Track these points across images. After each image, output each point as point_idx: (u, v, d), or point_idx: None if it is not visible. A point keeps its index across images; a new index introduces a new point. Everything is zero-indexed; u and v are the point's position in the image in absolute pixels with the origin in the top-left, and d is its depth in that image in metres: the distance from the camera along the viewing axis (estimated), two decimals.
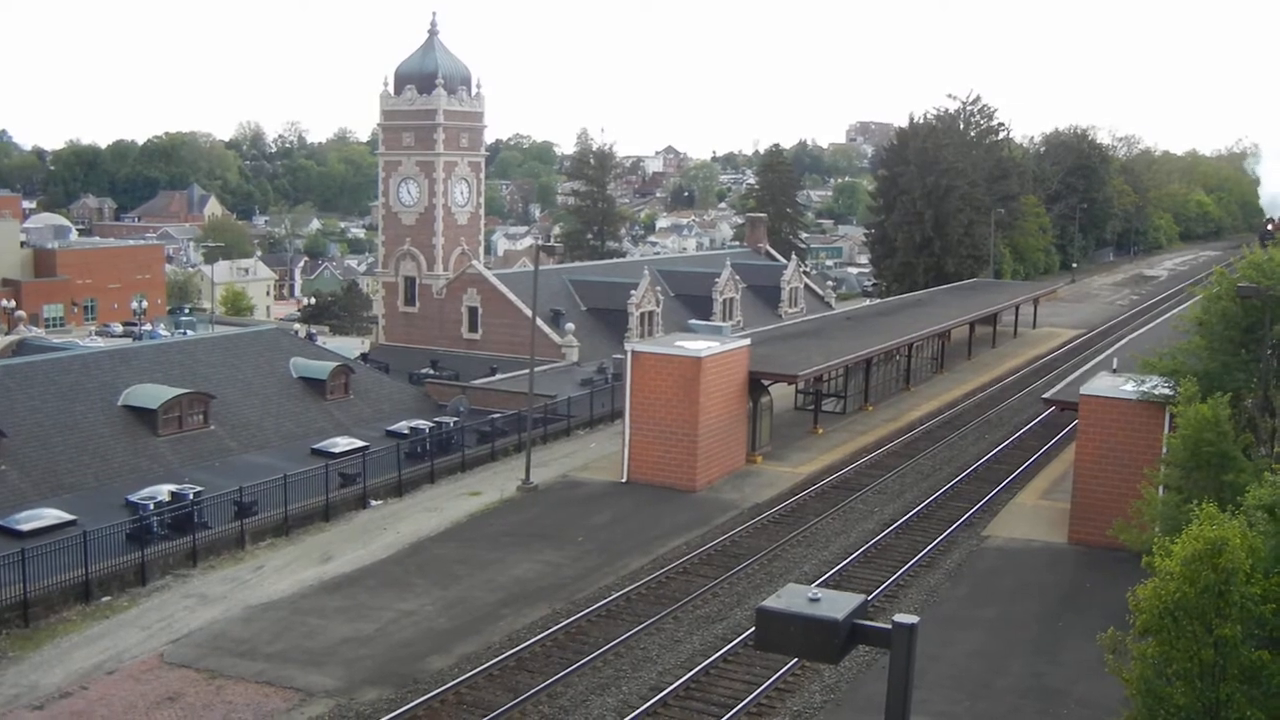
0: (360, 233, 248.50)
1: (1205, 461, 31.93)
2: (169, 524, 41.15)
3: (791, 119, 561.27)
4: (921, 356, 75.79)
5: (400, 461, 50.18)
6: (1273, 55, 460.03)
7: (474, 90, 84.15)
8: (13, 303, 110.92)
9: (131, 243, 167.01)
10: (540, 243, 75.94)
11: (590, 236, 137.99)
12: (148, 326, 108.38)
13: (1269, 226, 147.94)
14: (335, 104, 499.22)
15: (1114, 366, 48.19)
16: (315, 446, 53.48)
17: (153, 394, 51.97)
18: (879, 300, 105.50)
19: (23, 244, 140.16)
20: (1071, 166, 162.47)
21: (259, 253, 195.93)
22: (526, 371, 55.92)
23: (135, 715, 29.11)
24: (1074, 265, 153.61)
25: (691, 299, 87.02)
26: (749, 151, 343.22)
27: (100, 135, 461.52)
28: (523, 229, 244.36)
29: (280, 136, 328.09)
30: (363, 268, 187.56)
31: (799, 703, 29.98)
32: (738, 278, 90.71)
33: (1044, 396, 54.10)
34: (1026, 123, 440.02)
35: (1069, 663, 32.37)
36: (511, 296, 78.25)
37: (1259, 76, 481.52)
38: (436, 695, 29.92)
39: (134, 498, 43.14)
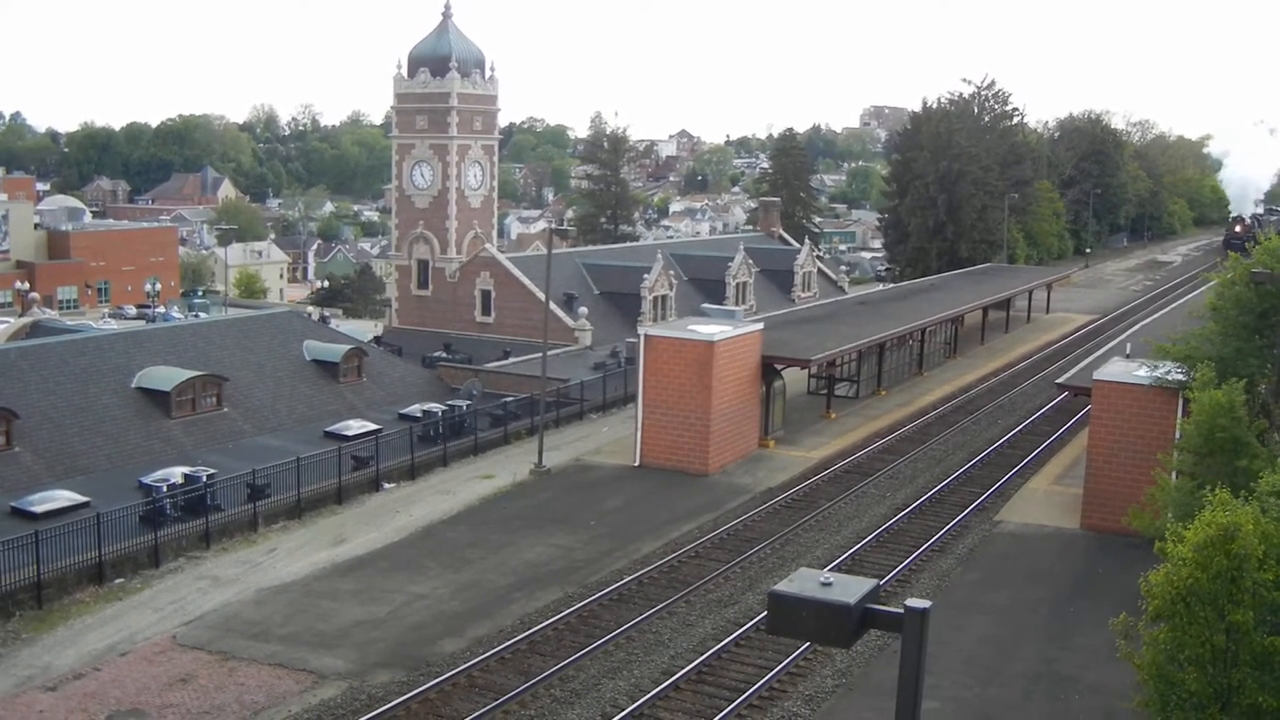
0: (374, 216, 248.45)
1: (1219, 447, 31.83)
2: (182, 506, 41.28)
3: (805, 103, 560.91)
4: (934, 341, 75.66)
5: (413, 444, 50.25)
6: None
7: (488, 73, 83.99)
8: (27, 285, 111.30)
9: (145, 225, 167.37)
10: (554, 226, 75.74)
11: (604, 220, 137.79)
12: (161, 309, 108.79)
13: (1237, 229, 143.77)
14: (349, 87, 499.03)
15: (1127, 352, 48.07)
16: (328, 429, 53.57)
17: (166, 376, 52.09)
18: (892, 285, 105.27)
19: (37, 226, 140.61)
20: (1085, 151, 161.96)
21: (272, 235, 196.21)
22: (539, 355, 55.93)
23: (148, 697, 29.23)
24: (1087, 250, 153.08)
25: (705, 283, 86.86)
26: (763, 135, 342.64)
27: (114, 118, 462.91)
28: (536, 213, 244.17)
29: (294, 119, 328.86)
30: (376, 251, 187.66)
31: (811, 687, 30.01)
32: (751, 262, 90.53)
33: (1057, 382, 54.01)
34: (1041, 107, 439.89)
35: (1080, 648, 32.37)
36: (525, 280, 78.20)
37: (1275, 61, 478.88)
38: (448, 678, 29.99)
39: (147, 480, 43.21)
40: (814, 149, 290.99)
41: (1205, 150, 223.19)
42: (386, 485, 47.80)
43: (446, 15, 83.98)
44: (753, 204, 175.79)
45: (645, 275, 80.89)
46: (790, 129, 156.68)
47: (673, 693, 29.57)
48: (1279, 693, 20.10)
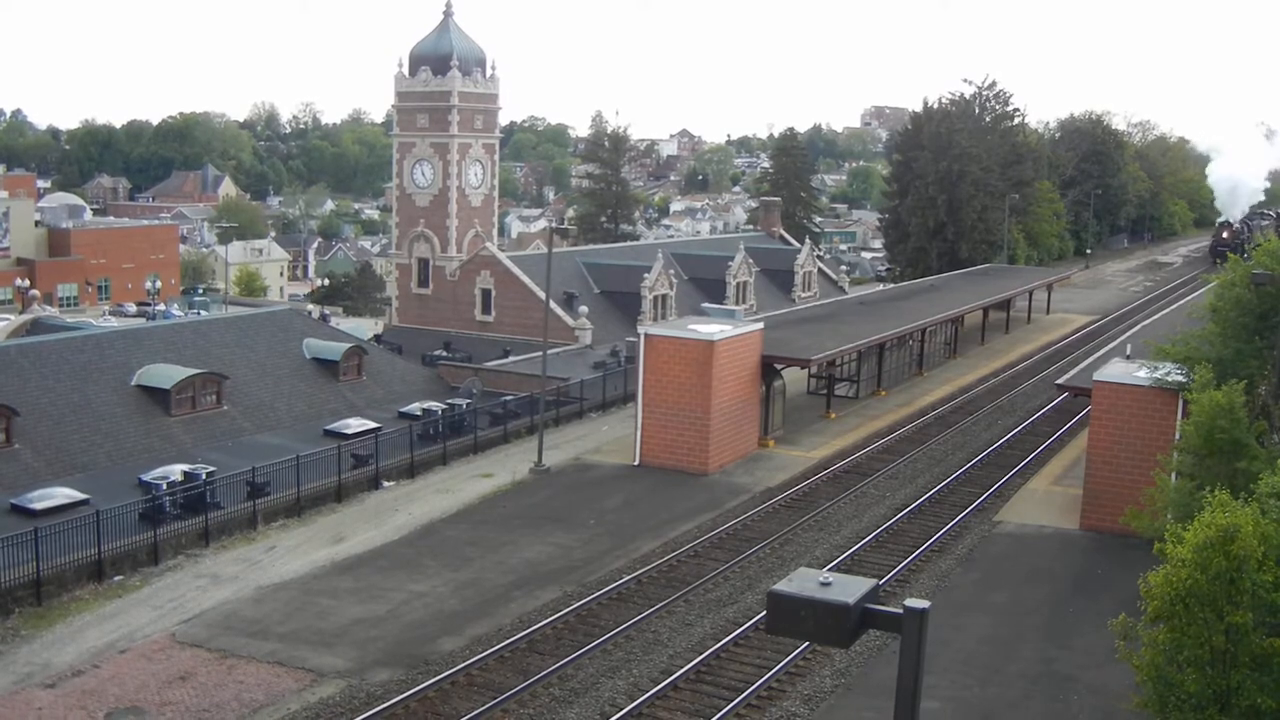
0: (374, 214, 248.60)
1: (1218, 448, 31.82)
2: (181, 504, 41.28)
3: (806, 103, 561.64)
4: (935, 341, 75.64)
5: (413, 443, 50.22)
6: None
7: (489, 72, 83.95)
8: (27, 282, 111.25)
9: (146, 223, 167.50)
10: (554, 225, 75.89)
11: (604, 219, 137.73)
12: (161, 306, 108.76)
13: (1224, 235, 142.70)
14: (350, 85, 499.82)
15: (1127, 353, 48.07)
16: (328, 427, 53.55)
17: (166, 374, 52.08)
18: (892, 285, 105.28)
19: (37, 223, 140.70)
20: (1086, 152, 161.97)
21: (273, 233, 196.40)
22: (539, 354, 55.92)
23: (147, 694, 29.23)
24: (1088, 251, 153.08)
25: (705, 283, 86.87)
26: (763, 135, 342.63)
27: (115, 115, 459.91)
28: (537, 211, 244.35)
29: (295, 117, 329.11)
30: (376, 249, 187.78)
31: (809, 687, 30.00)
32: (751, 262, 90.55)
33: (1057, 382, 53.98)
34: (1042, 108, 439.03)
35: (1080, 649, 32.36)
36: (525, 279, 78.20)
37: (1276, 61, 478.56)
38: (448, 677, 29.99)
39: (147, 478, 43.21)
40: (815, 149, 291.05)
41: (1188, 144, 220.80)
42: (386, 484, 47.80)
43: (448, 14, 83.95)
44: (753, 204, 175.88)
45: (645, 274, 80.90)
46: (791, 129, 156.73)
47: (671, 692, 29.56)
48: (1278, 694, 20.11)
